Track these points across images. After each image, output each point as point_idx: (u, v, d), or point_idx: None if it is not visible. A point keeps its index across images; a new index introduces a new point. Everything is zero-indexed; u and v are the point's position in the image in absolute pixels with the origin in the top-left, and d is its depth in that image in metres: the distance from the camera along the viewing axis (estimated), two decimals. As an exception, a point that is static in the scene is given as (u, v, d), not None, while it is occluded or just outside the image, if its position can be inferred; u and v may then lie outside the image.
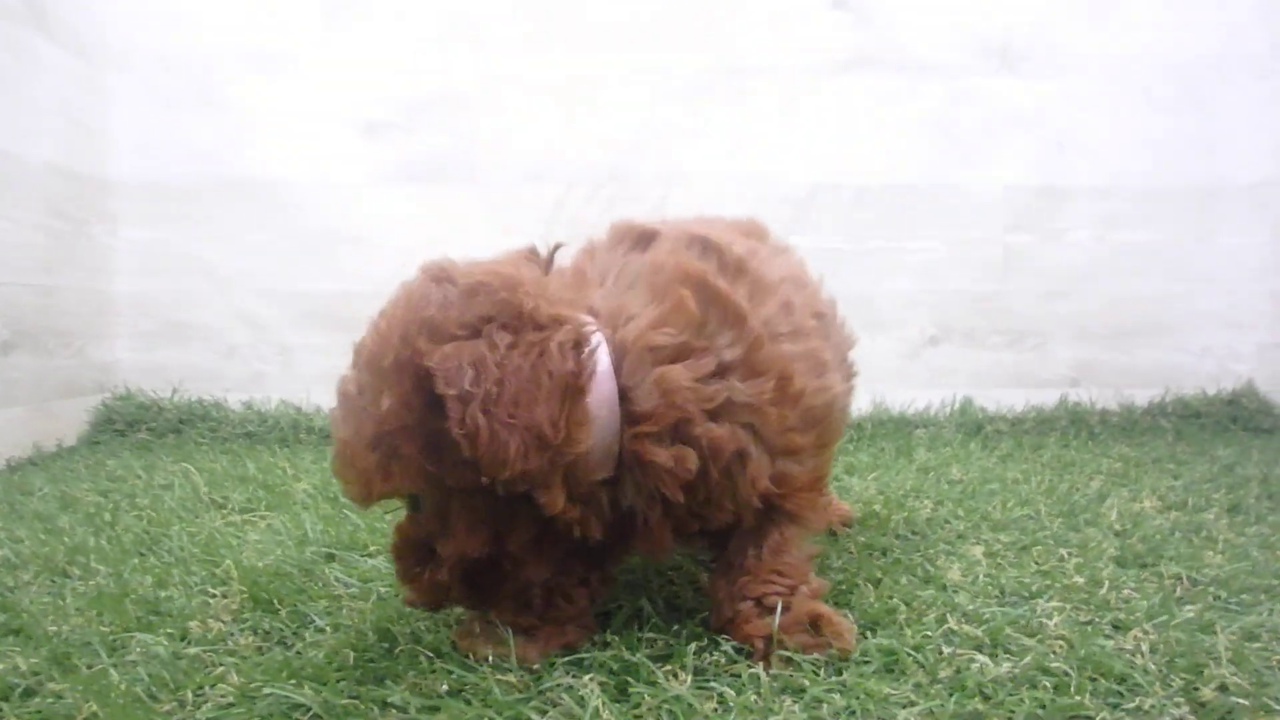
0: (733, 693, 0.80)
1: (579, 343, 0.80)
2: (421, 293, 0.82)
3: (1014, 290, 2.70)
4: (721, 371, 0.86)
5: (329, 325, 2.61)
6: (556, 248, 0.95)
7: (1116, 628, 0.98)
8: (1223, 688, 0.81)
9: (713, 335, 0.87)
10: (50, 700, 0.81)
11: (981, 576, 1.15)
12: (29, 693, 0.84)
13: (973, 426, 2.55)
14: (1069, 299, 2.70)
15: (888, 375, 2.68)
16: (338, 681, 0.83)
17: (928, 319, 2.72)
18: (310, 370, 2.62)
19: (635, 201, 2.60)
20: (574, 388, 0.78)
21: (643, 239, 0.97)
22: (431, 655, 0.90)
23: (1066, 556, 1.24)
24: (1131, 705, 0.77)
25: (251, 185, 2.60)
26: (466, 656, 0.88)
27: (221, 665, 0.88)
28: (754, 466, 0.89)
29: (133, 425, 2.48)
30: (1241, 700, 0.78)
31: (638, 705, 0.78)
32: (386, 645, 0.93)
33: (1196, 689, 0.81)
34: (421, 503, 0.87)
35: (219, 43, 2.58)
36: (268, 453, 2.20)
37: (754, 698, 0.79)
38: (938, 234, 2.68)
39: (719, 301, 0.88)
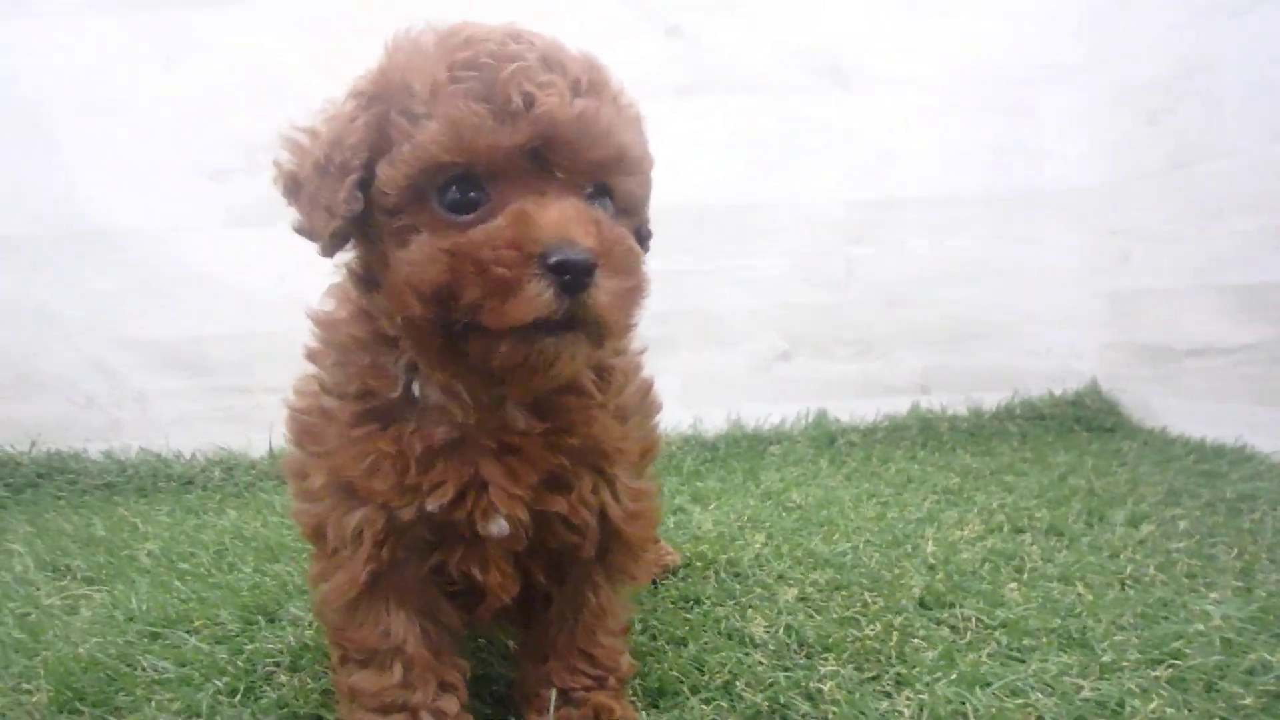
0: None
1: None
2: None
3: (858, 301, 2.72)
4: None
5: (184, 370, 2.58)
6: None
7: (899, 683, 0.97)
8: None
9: None
10: None
11: (781, 630, 1.13)
12: None
13: (826, 439, 2.56)
14: (911, 307, 2.74)
15: (741, 390, 2.69)
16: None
17: (777, 333, 2.73)
18: (168, 415, 2.57)
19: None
20: None
21: None
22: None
23: (870, 601, 1.23)
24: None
25: (93, 234, 2.50)
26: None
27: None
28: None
29: (-11, 483, 2.37)
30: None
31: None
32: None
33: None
34: None
35: (53, 87, 2.45)
36: (123, 506, 2.13)
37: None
38: (781, 250, 2.69)
39: None
